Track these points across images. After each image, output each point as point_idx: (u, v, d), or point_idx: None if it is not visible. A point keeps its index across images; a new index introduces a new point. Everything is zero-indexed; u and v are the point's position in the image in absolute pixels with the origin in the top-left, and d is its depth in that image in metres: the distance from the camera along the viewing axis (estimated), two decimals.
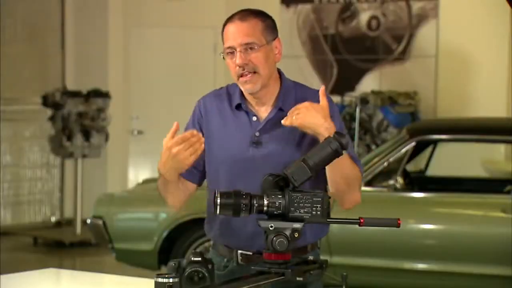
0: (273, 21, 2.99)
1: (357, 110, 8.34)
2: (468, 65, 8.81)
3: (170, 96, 9.91)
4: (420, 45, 9.02)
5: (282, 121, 2.84)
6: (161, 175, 2.92)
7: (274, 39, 2.96)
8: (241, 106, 3.00)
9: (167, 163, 2.82)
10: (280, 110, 2.96)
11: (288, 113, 2.84)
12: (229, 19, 2.95)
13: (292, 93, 3.00)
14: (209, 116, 3.01)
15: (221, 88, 3.09)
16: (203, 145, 2.79)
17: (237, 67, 2.91)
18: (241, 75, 2.92)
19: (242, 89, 2.97)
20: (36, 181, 9.94)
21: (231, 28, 2.92)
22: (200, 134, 2.80)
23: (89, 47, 9.98)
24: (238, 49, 2.89)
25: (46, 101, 9.08)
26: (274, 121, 2.96)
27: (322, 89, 2.87)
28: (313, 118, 2.78)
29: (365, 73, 9.28)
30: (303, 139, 2.93)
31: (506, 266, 5.65)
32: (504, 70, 8.60)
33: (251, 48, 2.89)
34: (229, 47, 2.92)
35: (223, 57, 2.95)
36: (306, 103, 2.82)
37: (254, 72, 2.91)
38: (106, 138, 9.22)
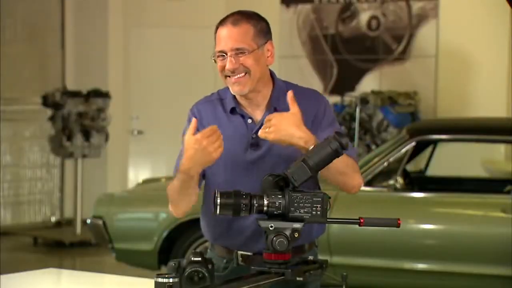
0: (266, 24, 2.98)
1: (357, 110, 8.34)
2: (468, 65, 8.80)
3: (170, 96, 9.90)
4: (420, 45, 9.02)
5: (259, 134, 2.80)
6: (179, 176, 2.85)
7: (267, 42, 2.96)
8: (235, 110, 3.00)
9: (195, 157, 2.76)
10: (275, 111, 2.94)
11: (262, 126, 2.81)
12: (222, 22, 2.95)
13: (284, 93, 2.97)
14: (204, 122, 2.99)
15: (212, 94, 3.09)
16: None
17: (227, 71, 2.91)
18: (230, 76, 2.92)
19: (231, 90, 2.96)
20: (36, 181, 9.93)
21: (223, 32, 2.92)
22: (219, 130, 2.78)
23: (89, 47, 9.97)
24: (228, 54, 2.90)
25: (46, 101, 9.07)
26: None
27: (289, 95, 2.82)
28: (285, 129, 2.75)
29: (365, 73, 9.28)
30: None
31: (506, 266, 5.64)
32: (504, 70, 8.60)
33: (241, 53, 2.90)
34: (220, 51, 2.92)
35: (214, 60, 2.95)
36: (275, 114, 2.80)
37: (245, 73, 2.91)
38: (106, 138, 9.22)
